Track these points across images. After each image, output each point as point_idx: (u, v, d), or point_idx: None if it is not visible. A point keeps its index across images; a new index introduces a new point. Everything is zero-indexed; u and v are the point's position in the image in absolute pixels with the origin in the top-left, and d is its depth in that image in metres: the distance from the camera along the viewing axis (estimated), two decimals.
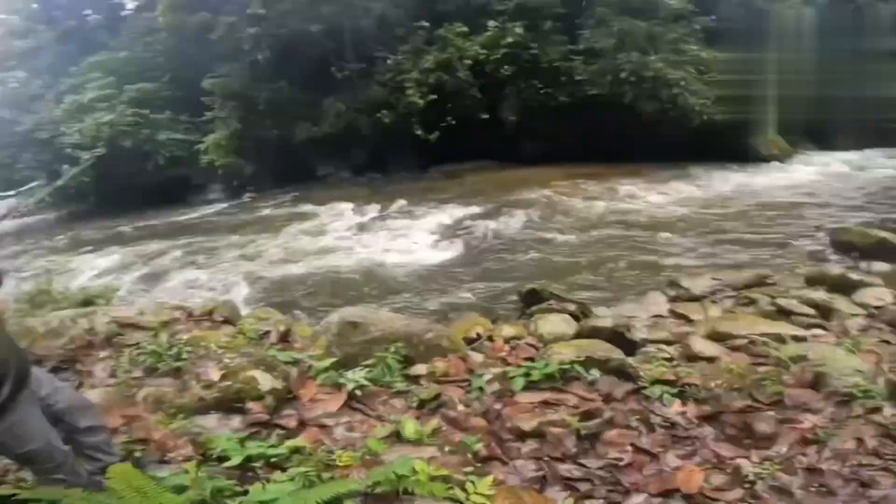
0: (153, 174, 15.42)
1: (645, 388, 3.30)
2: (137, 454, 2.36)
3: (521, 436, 2.95)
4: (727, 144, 13.42)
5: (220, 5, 14.89)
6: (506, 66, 14.54)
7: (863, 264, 5.50)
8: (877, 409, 2.75)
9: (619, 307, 4.87)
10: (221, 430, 2.64)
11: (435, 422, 2.96)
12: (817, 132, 15.65)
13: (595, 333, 4.01)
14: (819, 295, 4.58)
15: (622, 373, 3.45)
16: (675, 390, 3.24)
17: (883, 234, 5.85)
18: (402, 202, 11.40)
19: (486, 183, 12.92)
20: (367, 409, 3.12)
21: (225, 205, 14.79)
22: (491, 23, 14.71)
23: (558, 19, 14.78)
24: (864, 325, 4.03)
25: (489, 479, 2.42)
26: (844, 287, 4.75)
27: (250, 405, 2.85)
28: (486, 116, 14.65)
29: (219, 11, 14.84)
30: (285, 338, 3.95)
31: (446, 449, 2.75)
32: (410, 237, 8.81)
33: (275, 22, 14.27)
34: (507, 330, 4.16)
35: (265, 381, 3.01)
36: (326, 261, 7.87)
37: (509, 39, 14.35)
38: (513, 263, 7.33)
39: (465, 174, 14.27)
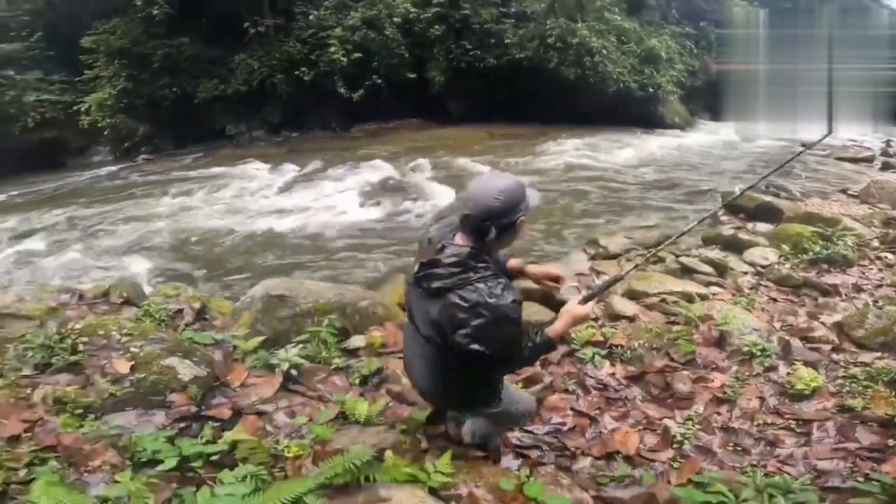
0: (21, 138, 14.05)
1: (577, 350, 3.45)
2: (53, 464, 1.98)
3: None
4: (637, 111, 14.50)
5: None
6: (436, 26, 14.22)
7: (749, 225, 6.10)
8: (773, 368, 3.13)
9: (544, 265, 4.98)
10: (143, 428, 2.30)
11: (382, 401, 2.85)
12: (713, 104, 17.31)
13: (527, 296, 4.10)
14: (715, 254, 5.05)
15: None
16: (604, 352, 3.43)
17: (766, 197, 6.61)
18: (322, 162, 10.66)
19: (411, 142, 12.61)
20: (307, 390, 2.92)
21: (114, 168, 12.92)
22: None
23: None
24: (754, 282, 4.51)
25: (447, 455, 2.39)
26: (736, 246, 5.26)
27: (173, 397, 2.51)
28: (413, 76, 14.35)
29: None
30: (201, 316, 3.53)
31: (397, 428, 2.67)
32: (334, 198, 8.24)
33: None
34: None
35: (185, 369, 2.66)
36: (241, 226, 7.10)
37: None
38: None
39: (390, 133, 13.88)
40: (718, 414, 2.79)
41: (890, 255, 4.83)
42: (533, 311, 3.70)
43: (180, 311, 3.49)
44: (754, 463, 2.39)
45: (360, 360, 3.27)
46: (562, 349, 3.46)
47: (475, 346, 1.68)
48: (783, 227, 5.58)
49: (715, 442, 2.58)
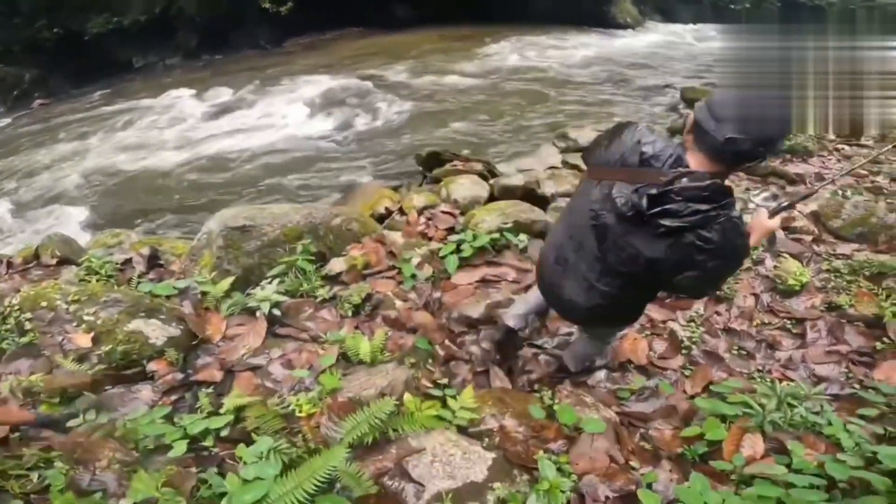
0: None
1: None
2: (59, 465, 1.67)
3: (472, 325, 2.83)
4: (589, 9, 14.16)
5: None
6: None
7: None
8: (760, 261, 3.19)
9: (517, 161, 4.75)
10: (133, 409, 1.99)
11: (380, 332, 2.65)
12: (665, 4, 17.17)
13: (508, 193, 3.87)
14: None
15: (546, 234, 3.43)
16: None
17: None
18: (256, 81, 9.26)
19: (353, 51, 11.34)
20: (297, 332, 2.64)
21: (8, 119, 10.44)
22: None
23: None
24: None
25: (469, 389, 2.30)
26: None
27: (152, 367, 2.17)
28: None
29: None
30: (154, 263, 3.03)
31: (406, 363, 2.52)
32: (277, 115, 7.30)
33: None
34: (418, 199, 3.76)
35: (155, 331, 2.28)
36: (178, 157, 6.14)
37: None
38: (400, 128, 6.63)
39: (329, 44, 12.28)
40: (718, 314, 2.85)
41: (846, 147, 4.97)
42: (521, 210, 3.48)
43: (128, 260, 2.98)
44: (759, 368, 2.49)
45: (346, 286, 3.00)
46: None
47: (704, 288, 1.53)
48: None
49: (720, 346, 2.64)
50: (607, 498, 1.77)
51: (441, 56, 10.31)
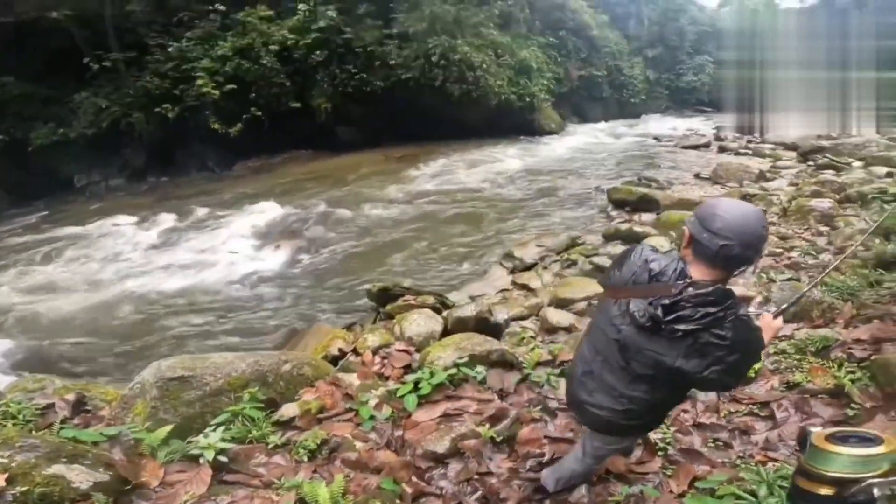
0: None
1: (530, 374, 3.30)
2: None
3: (438, 460, 2.63)
4: (518, 120, 15.81)
5: None
6: (317, 52, 13.53)
7: (635, 216, 6.68)
8: None
9: (468, 287, 4.86)
10: None
11: (340, 476, 2.39)
12: (579, 108, 19.92)
13: (461, 325, 3.88)
14: (618, 249, 5.33)
15: (505, 363, 3.40)
16: (556, 370, 3.34)
17: (643, 190, 7.38)
18: (205, 208, 9.29)
19: (301, 175, 11.74)
20: (247, 479, 2.36)
21: None
22: (301, 6, 13.46)
23: (372, 2, 14.32)
24: None
25: None
26: (633, 238, 5.62)
27: None
28: (296, 105, 13.47)
29: None
30: (80, 409, 2.79)
31: None
32: (223, 248, 7.18)
33: None
34: (372, 338, 3.70)
35: (79, 476, 2.01)
36: (112, 292, 5.89)
37: (321, 23, 13.43)
38: (348, 261, 6.62)
39: (277, 167, 12.76)
40: (685, 412, 2.79)
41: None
42: (475, 343, 3.47)
43: (50, 405, 2.74)
44: (741, 455, 2.40)
45: (300, 431, 2.77)
46: (514, 375, 3.30)
47: (729, 381, 1.65)
48: (664, 216, 6.14)
49: (696, 442, 2.55)
50: None
51: (381, 178, 10.57)
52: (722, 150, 12.17)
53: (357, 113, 14.29)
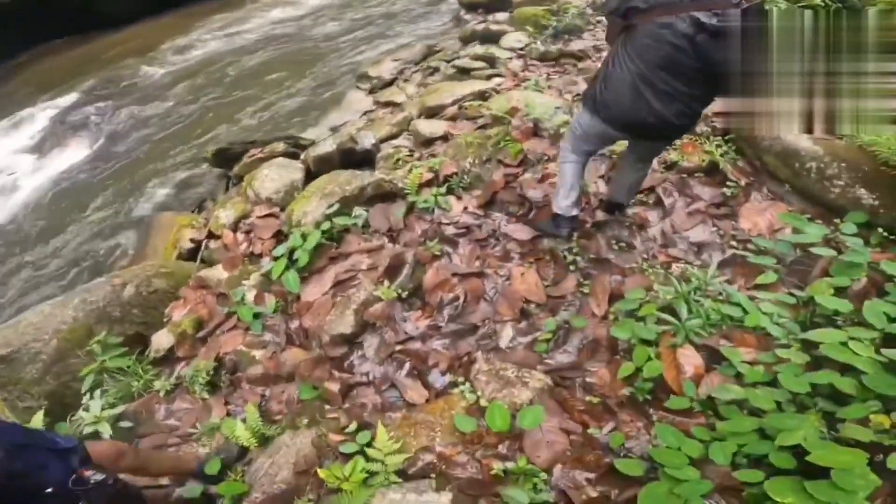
0: None
1: (415, 201, 2.96)
2: None
3: (349, 341, 2.39)
4: None
5: None
6: None
7: (489, 17, 6.27)
8: None
9: (328, 119, 4.08)
10: None
11: (253, 406, 2.12)
12: None
13: (326, 164, 3.29)
14: (478, 49, 4.97)
15: (385, 195, 2.98)
16: (442, 189, 3.02)
17: None
18: None
19: (69, 63, 8.47)
20: (164, 440, 2.05)
21: None
22: None
23: None
24: (521, 64, 4.55)
25: (382, 430, 1.89)
26: (491, 37, 5.35)
27: None
28: None
29: None
30: None
31: (300, 424, 2.05)
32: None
33: None
34: (225, 213, 3.02)
35: None
36: None
37: None
38: (172, 138, 5.22)
39: (34, 62, 8.94)
40: (582, 210, 2.72)
41: (604, 19, 5.24)
42: (341, 182, 2.94)
43: None
44: (645, 257, 2.44)
45: (186, 362, 2.35)
46: (398, 207, 2.93)
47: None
48: (518, 12, 5.84)
49: (601, 247, 2.53)
50: (588, 481, 1.60)
51: (186, 37, 8.45)
52: None
53: None
